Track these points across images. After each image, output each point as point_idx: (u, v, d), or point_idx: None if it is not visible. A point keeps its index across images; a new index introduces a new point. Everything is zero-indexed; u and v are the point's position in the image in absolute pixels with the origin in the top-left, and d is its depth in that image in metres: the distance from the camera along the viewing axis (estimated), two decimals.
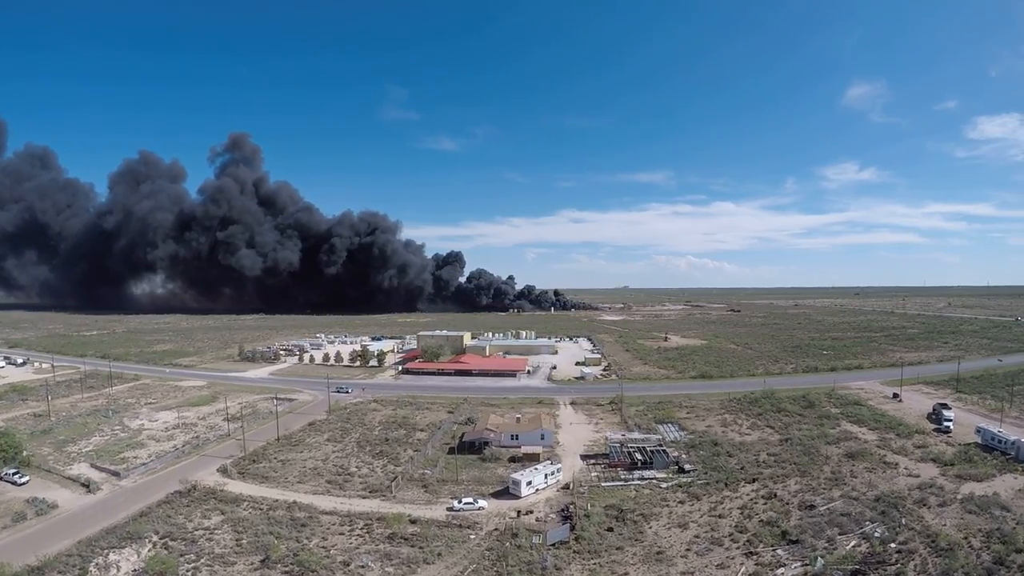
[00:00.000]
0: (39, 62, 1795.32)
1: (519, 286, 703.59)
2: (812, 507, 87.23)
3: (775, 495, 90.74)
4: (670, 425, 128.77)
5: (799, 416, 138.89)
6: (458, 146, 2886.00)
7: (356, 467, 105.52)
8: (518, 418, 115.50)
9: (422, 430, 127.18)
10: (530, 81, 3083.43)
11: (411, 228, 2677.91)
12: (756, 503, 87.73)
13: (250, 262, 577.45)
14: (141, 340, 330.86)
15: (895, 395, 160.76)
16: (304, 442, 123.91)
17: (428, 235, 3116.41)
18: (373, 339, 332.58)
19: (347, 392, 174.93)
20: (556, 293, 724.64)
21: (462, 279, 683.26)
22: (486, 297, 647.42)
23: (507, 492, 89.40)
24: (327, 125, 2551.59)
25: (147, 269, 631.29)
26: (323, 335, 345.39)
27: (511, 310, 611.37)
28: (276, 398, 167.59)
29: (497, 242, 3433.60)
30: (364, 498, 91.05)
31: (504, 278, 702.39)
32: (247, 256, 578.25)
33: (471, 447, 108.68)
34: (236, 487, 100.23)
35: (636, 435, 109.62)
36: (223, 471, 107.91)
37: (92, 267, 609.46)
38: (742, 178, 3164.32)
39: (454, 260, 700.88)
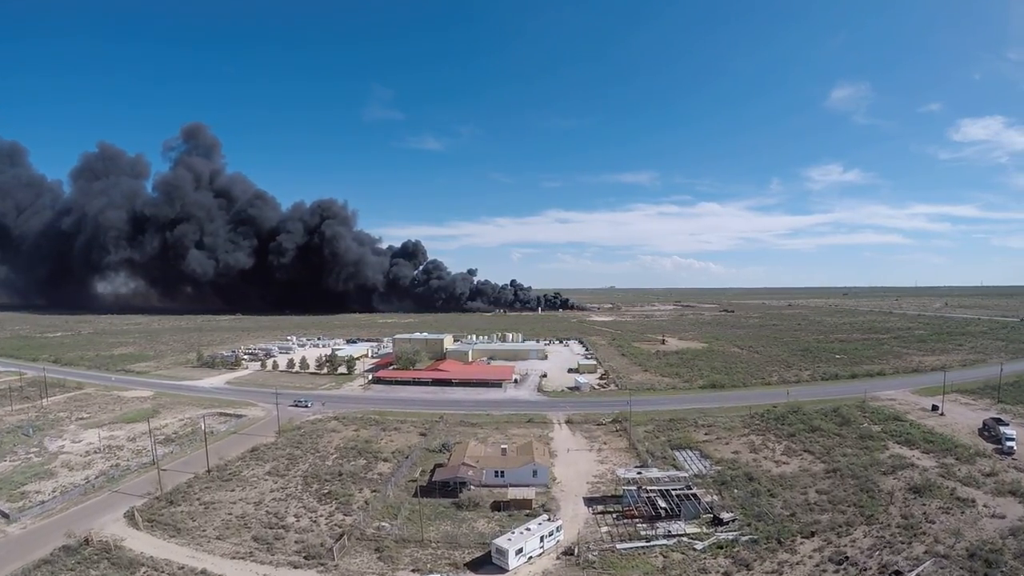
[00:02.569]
0: (22, 54, 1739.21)
1: (478, 280, 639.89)
2: (898, 574, 65.20)
3: (846, 557, 68.39)
4: (689, 452, 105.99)
5: (837, 436, 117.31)
6: (443, 146, 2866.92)
7: (295, 516, 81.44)
8: (504, 448, 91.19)
9: (385, 460, 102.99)
10: (514, 80, 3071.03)
11: (397, 228, 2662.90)
12: (825, 572, 65.29)
13: (199, 265, 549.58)
14: (104, 342, 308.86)
15: (934, 407, 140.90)
16: (240, 475, 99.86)
17: (414, 235, 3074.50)
18: (348, 342, 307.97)
19: (306, 406, 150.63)
20: (515, 288, 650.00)
21: (415, 274, 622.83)
22: (440, 296, 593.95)
23: (489, 562, 65.51)
24: (312, 124, 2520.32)
25: (108, 269, 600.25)
26: (294, 337, 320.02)
27: (497, 310, 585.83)
28: (206, 418, 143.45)
29: (482, 242, 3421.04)
30: (296, 567, 67.19)
31: (464, 272, 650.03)
32: (196, 258, 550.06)
33: (444, 488, 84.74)
34: (139, 542, 76.83)
35: (654, 471, 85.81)
36: (130, 517, 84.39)
37: (54, 268, 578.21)
38: (727, 179, 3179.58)
39: (411, 252, 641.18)
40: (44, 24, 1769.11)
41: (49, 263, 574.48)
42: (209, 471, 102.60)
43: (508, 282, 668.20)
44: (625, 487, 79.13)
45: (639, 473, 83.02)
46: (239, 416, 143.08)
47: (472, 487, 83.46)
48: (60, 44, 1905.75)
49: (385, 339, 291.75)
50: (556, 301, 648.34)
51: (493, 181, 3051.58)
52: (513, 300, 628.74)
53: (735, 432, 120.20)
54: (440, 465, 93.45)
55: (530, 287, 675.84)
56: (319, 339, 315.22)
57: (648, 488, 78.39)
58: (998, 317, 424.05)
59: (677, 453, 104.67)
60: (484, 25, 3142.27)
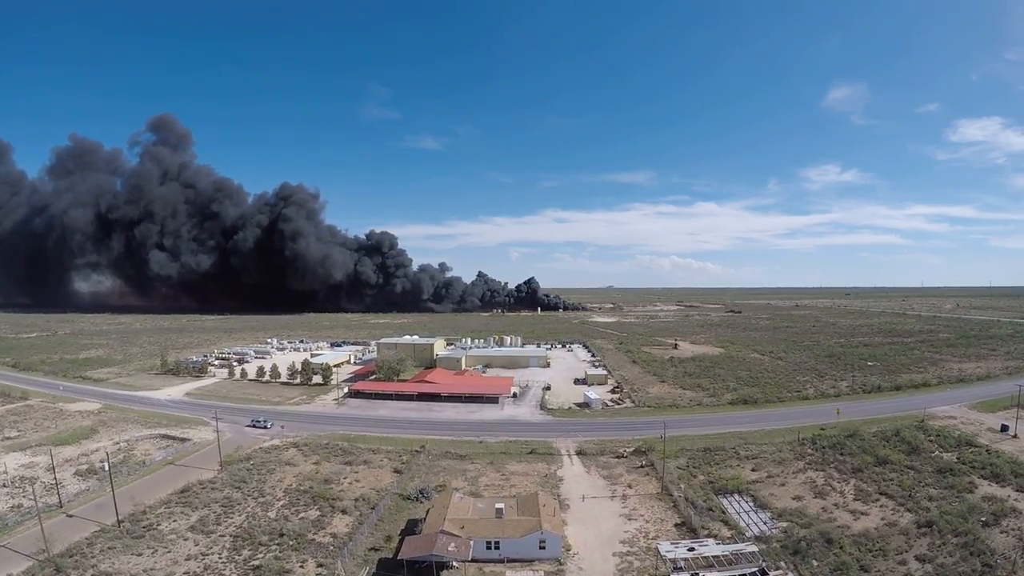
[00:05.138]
0: (13, 47, 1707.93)
1: (439, 281, 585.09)
2: None
3: None
4: (740, 499, 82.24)
5: (911, 470, 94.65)
6: (441, 145, 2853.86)
7: None
8: (499, 509, 65.44)
9: (344, 511, 78.58)
10: (510, 77, 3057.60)
11: (395, 227, 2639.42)
12: None
13: (161, 267, 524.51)
14: (76, 344, 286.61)
15: (1004, 428, 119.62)
16: (156, 529, 76.40)
17: (412, 234, 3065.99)
18: (332, 345, 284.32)
19: (264, 427, 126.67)
20: (486, 283, 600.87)
21: (374, 274, 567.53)
22: (407, 298, 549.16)
23: None
24: (310, 124, 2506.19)
25: (82, 268, 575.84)
26: (275, 340, 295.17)
27: (494, 310, 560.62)
28: (143, 442, 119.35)
29: (481, 241, 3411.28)
30: None
31: (435, 267, 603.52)
32: (158, 260, 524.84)
33: (416, 567, 60.63)
34: None
35: (710, 545, 60.82)
36: None
37: (31, 267, 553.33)
38: (724, 179, 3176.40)
39: (375, 246, 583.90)
40: (38, 15, 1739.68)
41: (24, 263, 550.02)
42: (120, 522, 79.15)
43: (476, 276, 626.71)
44: (675, 573, 55.11)
45: (691, 549, 58.95)
46: (183, 440, 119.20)
47: (455, 564, 59.50)
48: (51, 35, 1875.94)
49: (372, 343, 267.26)
50: (525, 293, 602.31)
51: (491, 180, 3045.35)
52: (482, 298, 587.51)
53: (788, 466, 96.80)
54: (413, 525, 69.43)
55: (506, 283, 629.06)
56: (301, 342, 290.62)
57: (706, 574, 54.33)
58: (1018, 320, 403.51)
59: (724, 501, 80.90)
60: (480, 22, 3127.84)
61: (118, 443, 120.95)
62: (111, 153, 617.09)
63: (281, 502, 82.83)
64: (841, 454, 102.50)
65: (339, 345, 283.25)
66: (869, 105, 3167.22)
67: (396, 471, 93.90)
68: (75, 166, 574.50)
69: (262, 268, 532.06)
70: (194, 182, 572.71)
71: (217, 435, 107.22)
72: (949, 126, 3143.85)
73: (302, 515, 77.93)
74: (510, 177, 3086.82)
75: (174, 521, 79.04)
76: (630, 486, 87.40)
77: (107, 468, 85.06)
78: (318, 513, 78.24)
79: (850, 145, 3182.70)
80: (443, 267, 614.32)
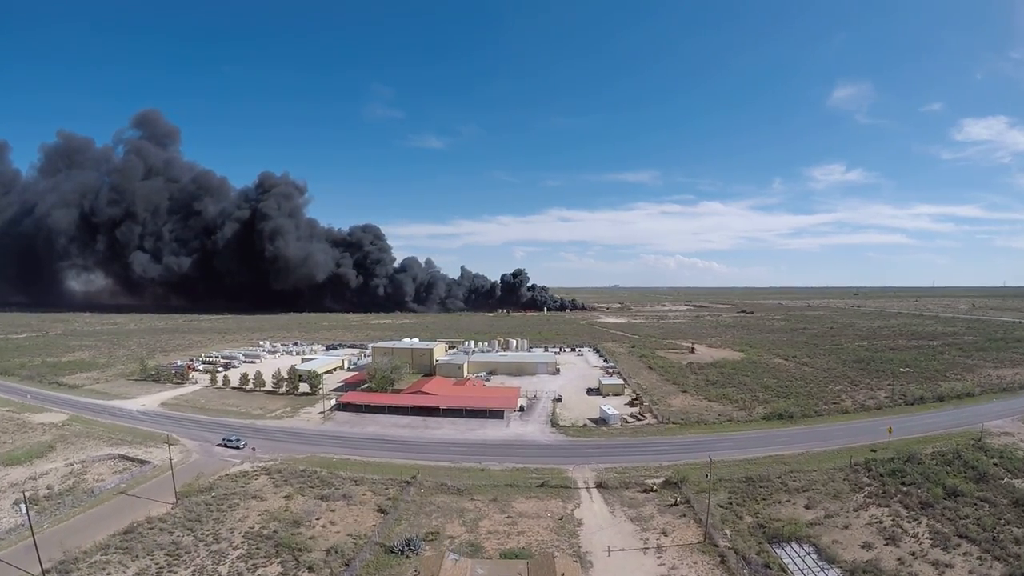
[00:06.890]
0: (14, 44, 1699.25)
1: (419, 279, 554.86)
2: None
3: None
4: (799, 549, 66.84)
5: (985, 504, 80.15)
6: (444, 144, 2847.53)
7: None
8: None
9: (311, 568, 63.50)
10: (513, 77, 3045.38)
11: (400, 227, 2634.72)
12: None
13: (143, 268, 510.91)
14: (63, 345, 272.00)
15: None
16: None
17: (417, 233, 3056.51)
18: (328, 348, 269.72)
19: (237, 447, 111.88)
20: (472, 279, 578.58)
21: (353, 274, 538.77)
22: (391, 301, 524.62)
23: None
24: (312, 123, 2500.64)
25: (72, 268, 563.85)
26: (267, 343, 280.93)
27: (499, 310, 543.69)
28: (99, 463, 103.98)
29: (485, 240, 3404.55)
30: None
31: (422, 264, 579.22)
32: (140, 261, 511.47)
33: None
34: None
35: None
36: None
37: (22, 267, 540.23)
38: (729, 178, 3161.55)
39: (356, 243, 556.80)
40: (37, 15, 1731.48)
41: (17, 263, 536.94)
42: (44, 573, 64.75)
43: (459, 273, 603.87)
44: None
45: None
46: (143, 463, 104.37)
47: None
48: (50, 35, 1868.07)
49: (369, 345, 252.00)
50: (511, 286, 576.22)
51: (495, 179, 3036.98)
52: (466, 299, 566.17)
53: (846, 501, 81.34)
54: None
55: (495, 282, 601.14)
56: (295, 344, 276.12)
57: None
58: None
59: (781, 552, 65.55)
60: (484, 21, 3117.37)
61: (72, 464, 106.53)
62: (102, 151, 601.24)
63: (238, 551, 67.78)
64: (903, 483, 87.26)
65: (334, 348, 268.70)
66: (874, 104, 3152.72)
67: (380, 510, 78.19)
68: (64, 164, 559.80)
69: (244, 268, 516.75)
70: (178, 178, 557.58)
71: (171, 463, 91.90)
72: (954, 125, 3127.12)
73: (260, 572, 63.00)
74: (514, 176, 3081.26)
75: (107, 575, 64.58)
76: (664, 532, 71.54)
77: (24, 510, 70.09)
78: (279, 570, 63.08)
79: (855, 144, 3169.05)
80: (429, 264, 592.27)
